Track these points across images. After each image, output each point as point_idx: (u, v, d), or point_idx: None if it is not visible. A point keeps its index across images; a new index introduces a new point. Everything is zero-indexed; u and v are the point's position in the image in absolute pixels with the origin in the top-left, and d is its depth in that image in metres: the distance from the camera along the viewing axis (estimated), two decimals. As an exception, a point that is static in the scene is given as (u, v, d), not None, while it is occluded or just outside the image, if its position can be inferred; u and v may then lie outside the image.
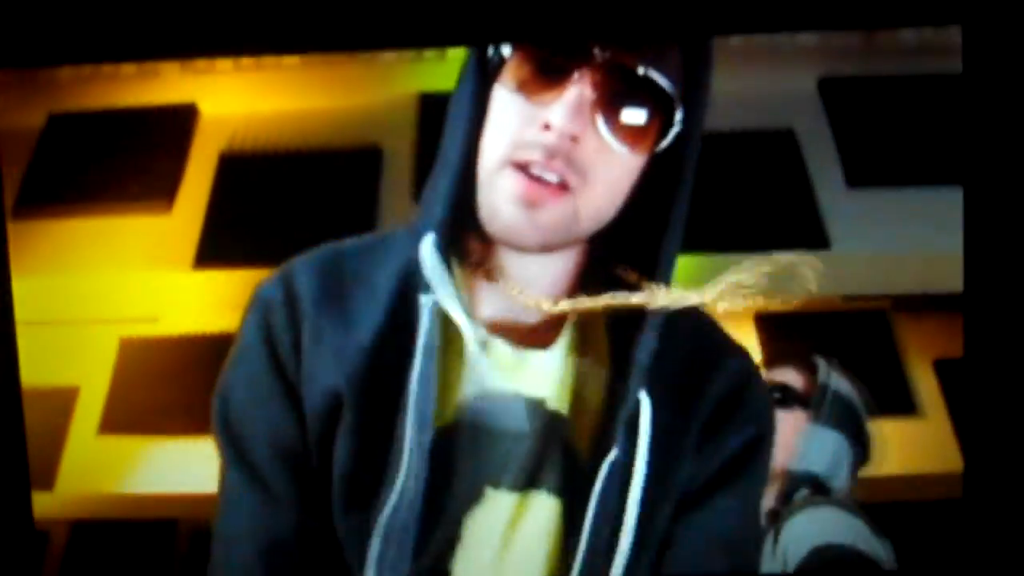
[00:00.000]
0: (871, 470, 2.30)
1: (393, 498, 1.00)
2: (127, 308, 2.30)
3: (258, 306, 1.17)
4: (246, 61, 2.35)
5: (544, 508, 1.03)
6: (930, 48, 2.33)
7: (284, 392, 1.08)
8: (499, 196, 0.97)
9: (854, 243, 2.24)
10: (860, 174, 2.30)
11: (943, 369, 2.34)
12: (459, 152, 1.01)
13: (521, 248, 1.01)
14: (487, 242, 1.05)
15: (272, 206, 2.30)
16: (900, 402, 2.32)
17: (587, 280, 1.07)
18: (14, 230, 2.31)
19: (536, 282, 1.05)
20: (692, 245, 2.21)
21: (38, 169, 2.37)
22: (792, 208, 2.27)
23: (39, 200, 2.33)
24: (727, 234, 2.24)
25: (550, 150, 0.94)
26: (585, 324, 1.06)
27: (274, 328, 1.11)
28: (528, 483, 1.03)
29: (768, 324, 2.39)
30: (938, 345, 2.37)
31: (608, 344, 1.06)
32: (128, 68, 2.33)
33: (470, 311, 1.04)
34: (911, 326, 2.39)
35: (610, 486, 1.01)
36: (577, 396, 1.05)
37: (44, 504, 2.27)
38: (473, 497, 1.03)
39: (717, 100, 2.37)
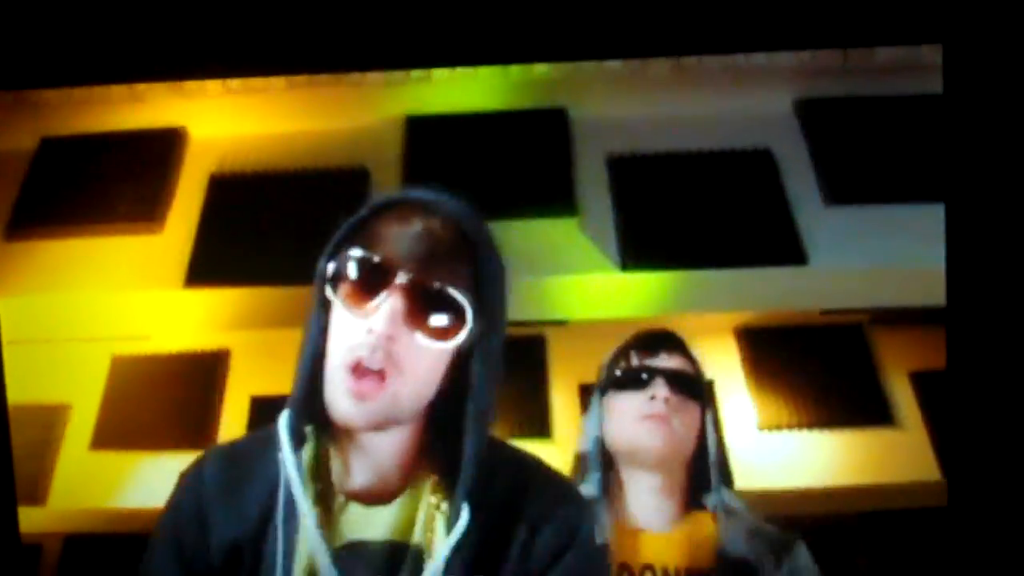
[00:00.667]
0: (850, 479, 2.34)
1: None
2: (119, 326, 2.31)
3: (173, 505, 1.28)
4: (234, 84, 2.36)
5: None
6: (904, 68, 2.36)
7: None
8: (336, 392, 1.15)
9: (831, 259, 2.26)
10: (836, 192, 2.32)
11: (920, 381, 2.37)
12: (310, 357, 1.20)
13: (356, 430, 1.19)
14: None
15: (262, 226, 2.31)
16: (877, 413, 2.36)
17: (426, 449, 1.23)
18: (8, 250, 2.34)
19: (385, 452, 1.23)
20: (673, 262, 2.25)
21: (31, 191, 2.39)
22: (770, 225, 2.29)
23: (32, 221, 2.35)
24: (707, 251, 2.26)
25: (372, 347, 1.14)
26: (418, 483, 1.24)
27: (181, 526, 1.31)
28: None
29: (748, 337, 2.43)
30: (915, 358, 2.40)
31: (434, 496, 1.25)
32: (119, 92, 2.35)
33: (342, 477, 1.23)
34: (888, 339, 2.42)
35: None
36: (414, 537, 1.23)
37: (37, 518, 2.27)
38: None
39: (696, 121, 2.42)
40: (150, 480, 2.25)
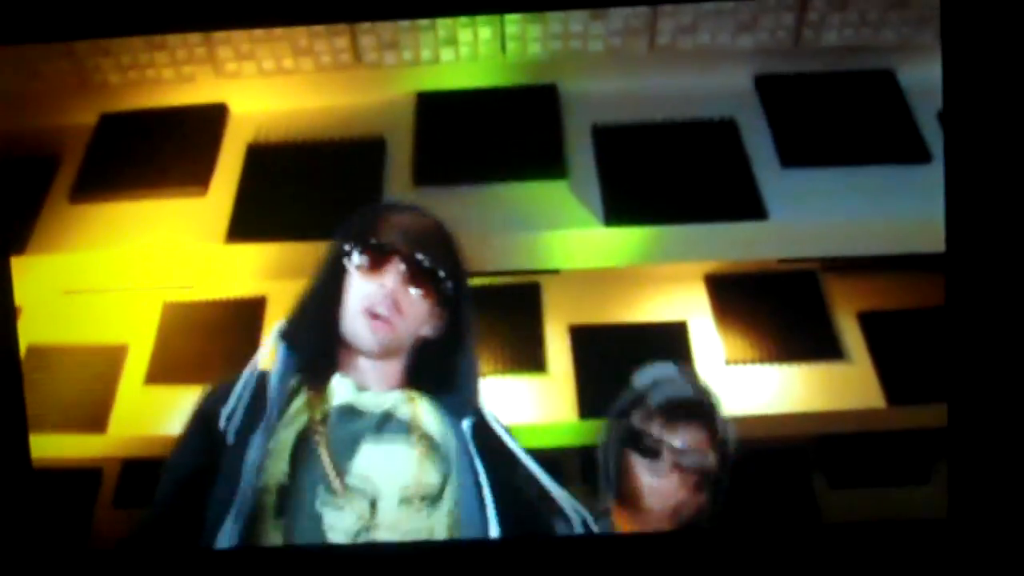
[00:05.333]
0: (806, 407, 2.44)
1: None
2: (169, 277, 2.42)
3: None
4: (268, 67, 2.49)
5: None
6: (849, 48, 2.50)
7: None
8: (360, 328, 1.60)
9: (788, 214, 2.37)
10: (792, 155, 2.43)
11: (866, 321, 2.48)
12: (324, 304, 1.64)
13: (368, 354, 1.63)
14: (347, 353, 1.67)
15: (293, 189, 2.43)
16: (829, 349, 2.45)
17: (412, 373, 1.69)
18: (73, 212, 2.47)
19: (379, 374, 1.66)
20: (651, 218, 2.37)
21: (92, 161, 2.50)
22: (735, 185, 2.40)
23: (93, 187, 2.47)
24: (680, 208, 2.37)
25: (384, 297, 1.59)
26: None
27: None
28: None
29: (716, 283, 2.53)
30: (861, 300, 2.50)
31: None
32: (167, 73, 2.47)
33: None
34: (838, 284, 2.51)
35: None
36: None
37: (98, 445, 2.38)
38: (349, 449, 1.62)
39: (672, 96, 2.53)
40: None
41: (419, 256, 1.62)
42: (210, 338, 2.42)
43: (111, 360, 2.44)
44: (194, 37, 2.43)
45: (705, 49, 2.51)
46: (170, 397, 2.39)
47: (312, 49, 2.47)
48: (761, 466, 2.39)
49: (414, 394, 1.68)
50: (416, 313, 1.64)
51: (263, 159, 2.49)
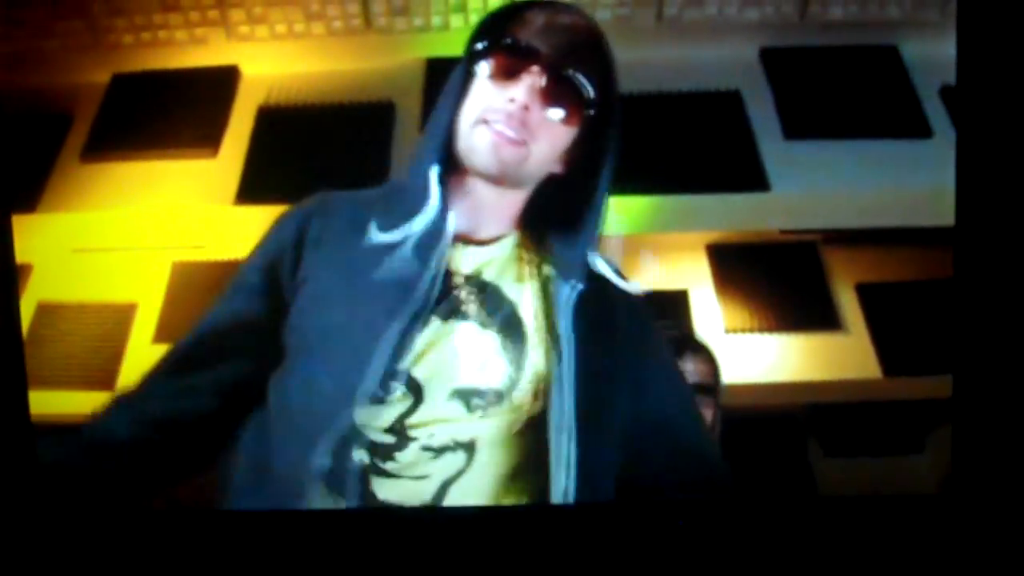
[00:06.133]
0: (802, 376, 2.48)
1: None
2: (179, 237, 2.43)
3: (272, 235, 1.47)
4: (281, 30, 2.50)
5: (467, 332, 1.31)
6: (853, 23, 2.51)
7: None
8: (476, 140, 1.27)
9: (790, 186, 2.38)
10: (795, 128, 2.44)
11: (864, 292, 2.51)
12: (445, 120, 1.31)
13: (485, 176, 1.31)
14: (461, 177, 1.34)
15: (302, 152, 2.43)
16: (826, 320, 2.49)
17: (529, 213, 1.37)
18: (84, 171, 2.48)
19: (494, 206, 1.35)
20: (656, 187, 2.38)
21: (104, 120, 2.50)
22: (738, 157, 2.42)
23: (105, 147, 2.47)
24: (684, 178, 2.39)
25: (510, 114, 1.25)
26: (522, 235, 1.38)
27: (277, 253, 1.41)
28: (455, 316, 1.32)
29: (717, 252, 2.56)
30: (860, 272, 2.53)
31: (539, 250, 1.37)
32: (180, 35, 2.47)
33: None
34: (837, 256, 2.55)
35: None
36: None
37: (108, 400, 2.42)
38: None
39: (677, 67, 2.54)
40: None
41: (565, 68, 1.25)
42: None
43: (120, 318, 2.45)
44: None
45: (712, 21, 2.52)
46: (178, 356, 2.39)
47: (324, 13, 2.48)
48: (758, 433, 2.45)
49: (529, 243, 1.35)
50: (550, 140, 1.28)
51: (273, 122, 2.49)
